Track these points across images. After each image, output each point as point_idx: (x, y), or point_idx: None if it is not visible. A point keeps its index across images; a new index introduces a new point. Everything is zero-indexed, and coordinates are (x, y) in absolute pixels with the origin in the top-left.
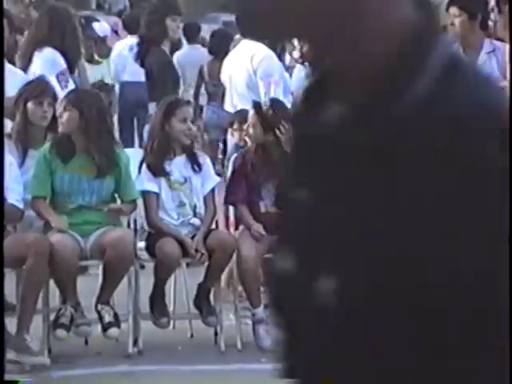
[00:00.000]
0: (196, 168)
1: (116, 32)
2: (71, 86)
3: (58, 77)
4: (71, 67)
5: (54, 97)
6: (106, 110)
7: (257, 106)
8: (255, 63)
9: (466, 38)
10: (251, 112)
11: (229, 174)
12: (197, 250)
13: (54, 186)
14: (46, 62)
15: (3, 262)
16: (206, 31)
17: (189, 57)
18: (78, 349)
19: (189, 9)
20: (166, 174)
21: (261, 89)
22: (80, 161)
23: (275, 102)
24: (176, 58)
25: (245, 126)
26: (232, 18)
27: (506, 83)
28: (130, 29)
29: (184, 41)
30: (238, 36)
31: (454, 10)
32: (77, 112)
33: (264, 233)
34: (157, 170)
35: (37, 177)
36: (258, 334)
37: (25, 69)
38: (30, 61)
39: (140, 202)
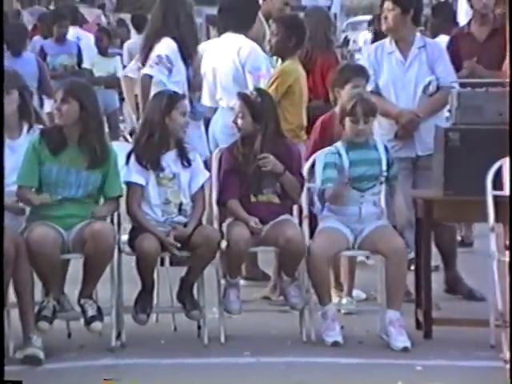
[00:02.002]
0: (185, 163)
1: (98, 24)
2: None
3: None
4: (188, 56)
5: (23, 87)
6: (98, 102)
7: (244, 95)
8: (243, 56)
9: (398, 31)
10: (238, 102)
11: (214, 169)
12: (179, 248)
13: (41, 177)
14: (161, 47)
15: (3, 262)
16: None
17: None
18: (61, 342)
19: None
20: (161, 169)
21: (249, 82)
22: (70, 153)
23: (261, 91)
24: (127, 45)
25: (232, 118)
26: (215, 11)
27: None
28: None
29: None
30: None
31: (388, 3)
32: (77, 104)
33: (261, 226)
34: (151, 163)
35: (25, 166)
36: (229, 297)
37: (144, 63)
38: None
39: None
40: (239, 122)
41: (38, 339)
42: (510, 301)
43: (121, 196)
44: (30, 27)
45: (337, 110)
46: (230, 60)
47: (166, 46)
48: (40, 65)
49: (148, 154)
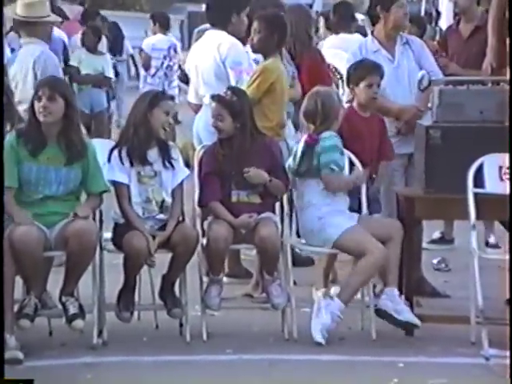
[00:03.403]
0: (167, 165)
1: (79, 21)
2: None
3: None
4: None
5: (6, 86)
6: (74, 97)
7: (219, 97)
8: (223, 52)
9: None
10: (214, 105)
11: (196, 169)
12: (163, 245)
13: (20, 177)
14: None
15: (3, 262)
16: (173, 21)
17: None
18: (43, 340)
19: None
20: (148, 164)
21: (231, 78)
22: (49, 151)
23: (235, 89)
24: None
25: (211, 121)
26: (197, 8)
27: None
28: None
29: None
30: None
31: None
32: (62, 101)
33: (252, 222)
34: (138, 158)
35: (6, 168)
36: (210, 293)
37: None
38: None
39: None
40: (219, 124)
41: (12, 338)
42: (510, 301)
43: (105, 191)
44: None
45: (354, 105)
46: (211, 56)
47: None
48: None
49: (132, 150)
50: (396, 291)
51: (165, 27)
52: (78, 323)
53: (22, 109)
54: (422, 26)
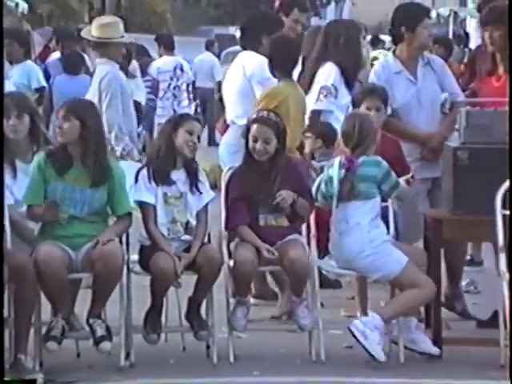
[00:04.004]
0: (194, 189)
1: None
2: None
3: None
4: (350, 79)
5: (29, 109)
6: (102, 121)
7: (264, 119)
8: (248, 69)
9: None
10: (259, 126)
11: (223, 192)
12: (188, 267)
13: (46, 196)
14: (323, 75)
15: (3, 263)
16: (200, 43)
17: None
18: (70, 362)
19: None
20: (172, 183)
21: (258, 93)
22: (75, 172)
23: (271, 111)
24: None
25: (258, 144)
26: (223, 31)
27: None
28: None
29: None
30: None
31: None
32: (78, 122)
33: (275, 254)
34: (160, 178)
35: (31, 186)
36: (236, 315)
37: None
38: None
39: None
40: (267, 147)
41: (28, 359)
42: (510, 309)
43: (130, 213)
44: (39, 48)
45: None
46: (238, 75)
47: (329, 74)
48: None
49: (156, 170)
50: (413, 322)
51: (169, 48)
52: (106, 345)
53: None
54: (449, 47)
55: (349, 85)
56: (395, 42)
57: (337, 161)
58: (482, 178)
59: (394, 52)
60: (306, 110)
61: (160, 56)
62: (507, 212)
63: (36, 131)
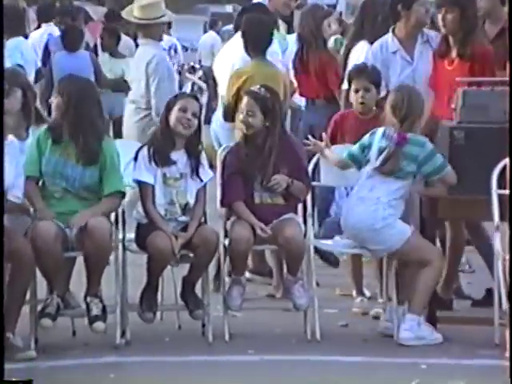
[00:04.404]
0: (194, 176)
1: (103, 23)
2: None
3: None
4: None
5: (20, 84)
6: (95, 99)
7: (252, 92)
8: None
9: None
10: (247, 100)
11: (219, 169)
12: (184, 246)
13: (41, 168)
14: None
15: (3, 262)
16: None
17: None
18: (66, 340)
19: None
20: (171, 164)
21: None
22: (67, 147)
23: (268, 87)
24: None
25: (243, 116)
26: (220, 9)
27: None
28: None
29: None
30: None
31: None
32: (61, 99)
33: (268, 232)
34: (160, 158)
35: (28, 158)
36: (231, 294)
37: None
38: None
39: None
40: (249, 120)
41: (17, 338)
42: (510, 299)
43: (121, 192)
44: (34, 25)
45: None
46: (239, 51)
47: (360, 53)
48: (94, 61)
49: (156, 151)
50: (417, 319)
51: (166, 27)
52: (99, 325)
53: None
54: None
55: None
56: (393, 20)
57: (380, 130)
58: (478, 158)
59: (393, 30)
60: (282, 87)
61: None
62: (504, 191)
63: (28, 106)
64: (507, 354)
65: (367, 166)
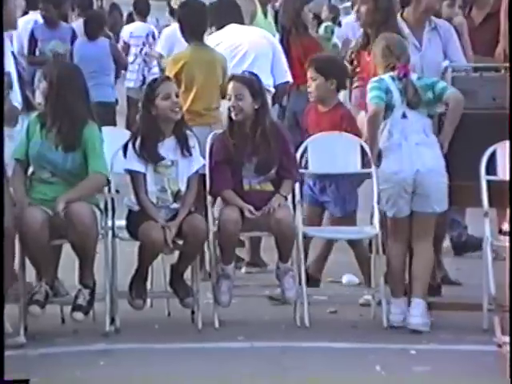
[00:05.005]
0: (186, 153)
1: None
2: None
3: None
4: None
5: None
6: (76, 84)
7: (239, 76)
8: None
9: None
10: (234, 84)
11: (207, 159)
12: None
13: (28, 151)
14: None
15: (3, 259)
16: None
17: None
18: (55, 327)
19: None
20: (160, 159)
21: None
22: (51, 132)
23: (252, 72)
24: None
25: (231, 101)
26: None
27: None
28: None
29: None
30: None
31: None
32: (46, 84)
33: (256, 212)
34: (148, 155)
35: (18, 142)
36: (219, 289)
37: None
38: None
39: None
40: (239, 103)
41: (6, 324)
42: (510, 288)
43: (103, 174)
44: (20, 11)
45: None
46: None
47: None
48: (113, 48)
49: (144, 147)
50: (424, 304)
51: (143, 14)
52: (78, 315)
53: None
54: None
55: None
56: (402, 4)
57: (385, 77)
58: (467, 144)
59: (401, 15)
60: (220, 72)
61: (132, 21)
62: (491, 178)
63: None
64: (501, 339)
65: (395, 112)
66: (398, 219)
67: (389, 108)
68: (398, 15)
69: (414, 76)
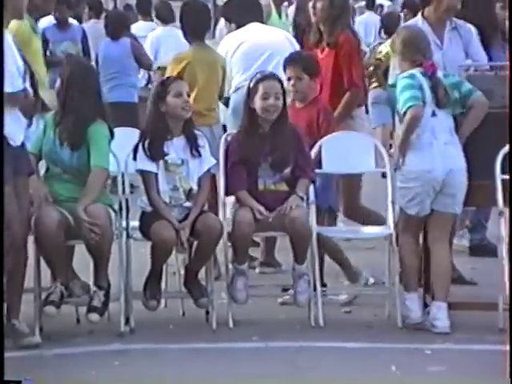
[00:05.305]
0: (195, 153)
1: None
2: None
3: None
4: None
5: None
6: (85, 83)
7: (273, 75)
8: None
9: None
10: (271, 82)
11: (221, 157)
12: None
13: (42, 147)
14: None
15: (3, 260)
16: None
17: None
18: (70, 327)
19: None
20: (164, 156)
21: None
22: (61, 129)
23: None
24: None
25: (271, 100)
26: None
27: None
28: None
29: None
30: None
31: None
32: (59, 82)
33: (266, 213)
34: (154, 152)
35: (34, 137)
36: (235, 285)
37: None
38: None
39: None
40: (278, 103)
41: (23, 324)
42: (510, 288)
43: (104, 168)
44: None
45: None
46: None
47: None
48: (134, 48)
49: (152, 144)
50: (446, 306)
51: (145, 14)
52: (93, 316)
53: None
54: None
55: (485, 45)
56: (423, 3)
57: (416, 71)
58: (482, 143)
59: (422, 14)
60: (220, 73)
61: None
62: (506, 177)
63: (35, 95)
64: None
65: (425, 110)
66: (415, 217)
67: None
68: (419, 14)
69: (440, 74)
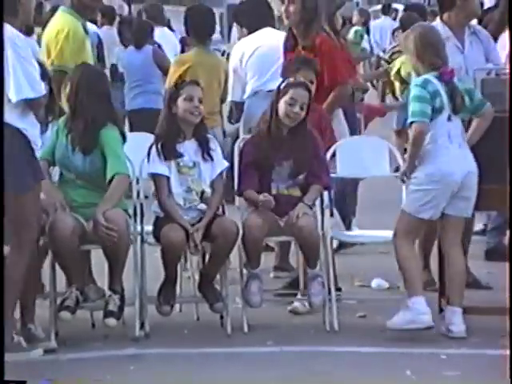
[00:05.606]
0: (206, 156)
1: (119, 15)
2: None
3: None
4: None
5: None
6: (98, 88)
7: (303, 84)
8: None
9: None
10: (300, 91)
11: (236, 160)
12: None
13: (54, 151)
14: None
15: (3, 261)
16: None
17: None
18: (86, 332)
19: None
20: (178, 156)
21: None
22: (73, 134)
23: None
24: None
25: (296, 108)
26: (235, 0)
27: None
28: None
29: None
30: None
31: None
32: (69, 86)
33: (270, 198)
34: (167, 152)
35: (46, 143)
36: (250, 289)
37: None
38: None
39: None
40: (301, 112)
41: (39, 328)
42: (510, 288)
43: (126, 175)
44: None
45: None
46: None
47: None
48: (156, 55)
49: (164, 145)
50: (461, 311)
51: (156, 20)
52: (110, 321)
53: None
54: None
55: None
56: (443, 8)
57: (431, 77)
58: (497, 147)
59: (441, 18)
60: (222, 76)
61: None
62: None
63: (52, 101)
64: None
65: (443, 113)
66: (421, 221)
67: (437, 111)
68: (438, 18)
69: (455, 79)
